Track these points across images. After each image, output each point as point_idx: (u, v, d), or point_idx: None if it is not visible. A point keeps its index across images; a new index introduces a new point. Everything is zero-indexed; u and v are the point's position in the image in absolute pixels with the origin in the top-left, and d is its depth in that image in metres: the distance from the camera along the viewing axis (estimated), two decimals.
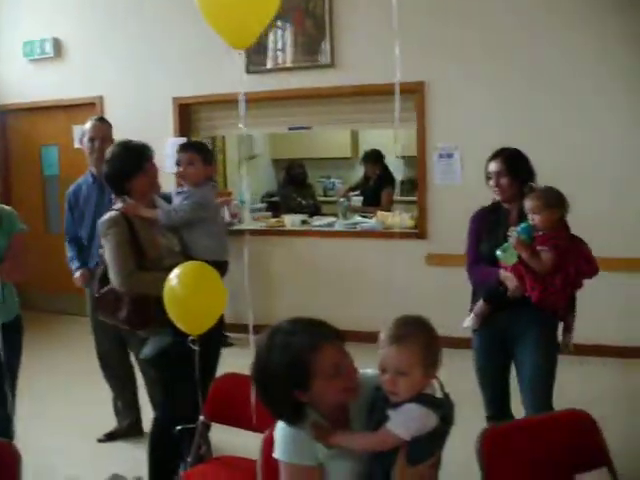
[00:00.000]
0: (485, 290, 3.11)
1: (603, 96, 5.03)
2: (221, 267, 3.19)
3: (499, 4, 5.23)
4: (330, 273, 5.91)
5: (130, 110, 6.19)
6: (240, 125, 2.30)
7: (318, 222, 6.43)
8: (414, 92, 5.44)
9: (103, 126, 4.02)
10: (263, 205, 7.99)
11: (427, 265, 5.59)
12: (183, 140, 5.04)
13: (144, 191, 3.15)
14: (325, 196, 8.63)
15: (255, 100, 5.74)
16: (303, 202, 7.36)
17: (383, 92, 5.09)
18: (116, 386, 4.11)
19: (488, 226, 3.14)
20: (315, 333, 1.76)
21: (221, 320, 3.03)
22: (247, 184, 5.88)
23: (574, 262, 2.93)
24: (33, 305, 6.94)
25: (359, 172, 7.76)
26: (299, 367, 1.71)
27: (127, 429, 4.09)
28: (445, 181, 5.49)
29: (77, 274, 3.95)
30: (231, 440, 3.16)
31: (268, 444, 1.93)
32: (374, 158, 7.17)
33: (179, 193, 3.48)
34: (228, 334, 5.43)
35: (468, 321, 3.16)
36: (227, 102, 5.38)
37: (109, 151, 3.20)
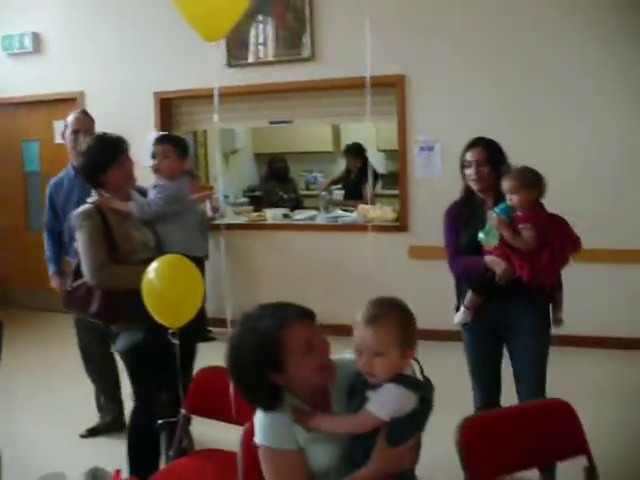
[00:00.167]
0: (472, 280, 3.05)
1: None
2: (197, 263, 3.05)
3: None
4: (312, 267, 5.92)
5: (111, 105, 6.15)
6: (215, 118, 2.31)
7: (299, 216, 6.44)
8: (394, 85, 5.45)
9: (86, 119, 4.01)
10: (245, 199, 7.99)
11: (410, 258, 5.62)
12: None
13: (119, 184, 3.14)
14: (307, 190, 8.64)
15: (237, 94, 5.75)
16: (285, 196, 7.37)
17: (363, 85, 5.06)
18: (98, 380, 4.11)
19: (464, 219, 3.10)
20: (283, 313, 1.77)
21: (201, 314, 3.03)
22: (228, 179, 5.86)
23: (558, 238, 2.90)
24: (13, 302, 6.94)
25: (341, 166, 7.76)
26: (270, 347, 1.71)
27: (110, 424, 4.09)
28: (426, 174, 5.50)
29: (52, 281, 4.00)
30: (212, 433, 3.17)
31: (248, 436, 1.94)
32: (355, 152, 7.19)
33: (155, 187, 3.46)
34: (210, 328, 5.44)
35: (459, 316, 3.11)
36: (208, 97, 5.32)
37: (85, 143, 3.19)
